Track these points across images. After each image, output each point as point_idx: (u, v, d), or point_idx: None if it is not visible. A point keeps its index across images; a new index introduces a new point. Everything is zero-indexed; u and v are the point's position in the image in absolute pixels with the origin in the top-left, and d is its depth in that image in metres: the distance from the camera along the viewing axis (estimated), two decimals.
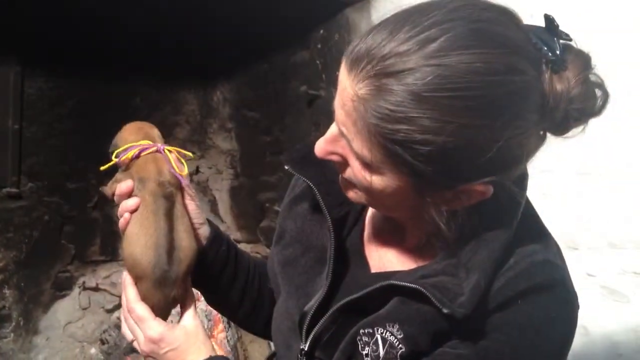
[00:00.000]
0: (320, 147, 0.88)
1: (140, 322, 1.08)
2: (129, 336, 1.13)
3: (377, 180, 0.83)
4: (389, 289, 0.91)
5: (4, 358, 3.11)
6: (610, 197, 1.67)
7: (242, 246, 3.78)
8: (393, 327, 0.89)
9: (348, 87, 0.78)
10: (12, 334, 3.14)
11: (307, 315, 1.01)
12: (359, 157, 0.81)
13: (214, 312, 3.29)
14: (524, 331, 0.85)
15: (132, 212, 1.10)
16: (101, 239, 3.48)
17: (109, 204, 3.48)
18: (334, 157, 0.88)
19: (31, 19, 2.85)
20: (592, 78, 0.82)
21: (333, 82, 2.83)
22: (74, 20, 2.87)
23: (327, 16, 2.83)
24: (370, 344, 0.91)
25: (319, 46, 2.94)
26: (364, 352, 0.91)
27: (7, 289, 3.13)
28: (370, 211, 1.11)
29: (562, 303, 0.89)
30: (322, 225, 1.08)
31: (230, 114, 3.88)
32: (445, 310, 0.80)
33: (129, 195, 1.12)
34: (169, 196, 1.10)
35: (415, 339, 0.87)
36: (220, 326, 3.25)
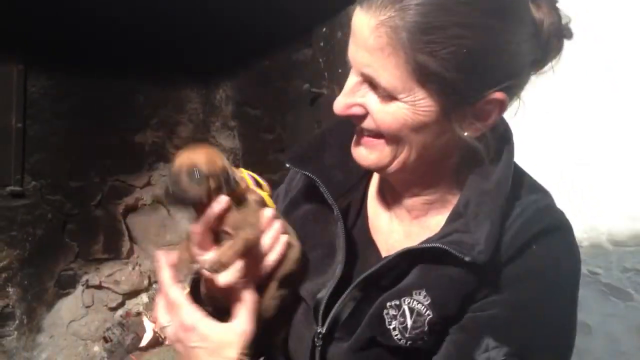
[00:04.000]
0: (340, 102, 0.92)
1: (174, 306, 0.97)
2: (162, 321, 1.01)
3: (404, 111, 0.87)
4: (408, 257, 0.95)
5: (8, 356, 3.12)
6: (613, 196, 1.67)
7: None
8: (420, 294, 0.93)
9: (370, 20, 0.84)
10: (15, 332, 3.15)
11: (322, 301, 1.02)
12: (387, 90, 0.86)
13: None
14: (544, 274, 0.93)
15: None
16: (104, 237, 3.49)
17: (112, 202, 3.49)
18: (355, 110, 0.92)
19: (33, 18, 2.85)
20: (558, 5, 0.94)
21: (336, 80, 2.83)
22: (76, 19, 2.87)
23: (330, 14, 2.82)
24: (398, 317, 0.94)
25: (322, 44, 2.94)
26: (392, 327, 0.94)
27: (11, 287, 3.14)
28: (372, 198, 1.13)
29: (570, 241, 0.98)
30: (326, 220, 1.09)
31: (232, 112, 3.88)
32: (467, 259, 0.87)
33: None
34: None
35: (442, 303, 0.92)
36: None
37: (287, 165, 1.12)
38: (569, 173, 1.74)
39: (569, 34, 0.94)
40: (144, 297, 3.58)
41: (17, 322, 3.16)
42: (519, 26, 0.87)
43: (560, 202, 1.07)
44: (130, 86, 3.50)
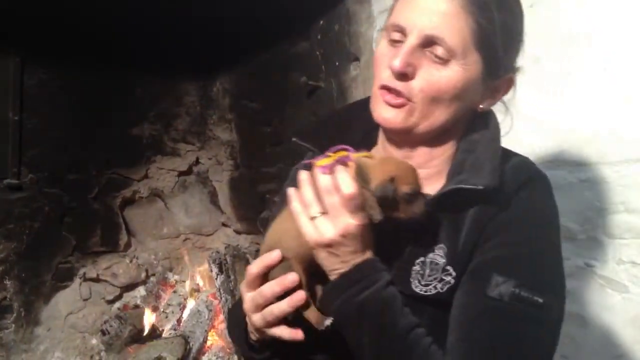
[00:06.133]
0: (401, 60, 1.04)
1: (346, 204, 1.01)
2: (312, 211, 1.03)
3: (457, 73, 1.04)
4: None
5: (6, 349, 3.13)
6: (608, 188, 1.67)
7: (242, 237, 3.79)
8: (440, 248, 1.05)
9: None
10: (13, 325, 3.16)
11: None
12: (450, 49, 1.02)
13: (215, 301, 3.30)
14: (532, 216, 1.07)
15: None
16: (101, 230, 3.49)
17: (109, 195, 3.49)
18: (408, 69, 1.05)
19: (30, 11, 2.84)
20: None
21: (333, 73, 2.83)
22: (73, 12, 2.86)
23: (327, 7, 2.82)
24: (419, 271, 1.06)
25: (319, 37, 2.93)
26: (411, 278, 1.05)
27: (8, 280, 3.14)
28: None
29: (549, 187, 1.12)
30: None
31: (230, 105, 3.88)
32: (480, 187, 1.02)
33: None
34: None
35: (454, 249, 1.04)
36: (221, 317, 3.27)
37: (294, 139, 1.24)
38: (567, 171, 1.74)
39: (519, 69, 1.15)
40: (141, 290, 3.58)
41: (14, 314, 3.17)
42: (523, 27, 1.10)
43: (559, 203, 1.11)
44: (127, 79, 3.49)
